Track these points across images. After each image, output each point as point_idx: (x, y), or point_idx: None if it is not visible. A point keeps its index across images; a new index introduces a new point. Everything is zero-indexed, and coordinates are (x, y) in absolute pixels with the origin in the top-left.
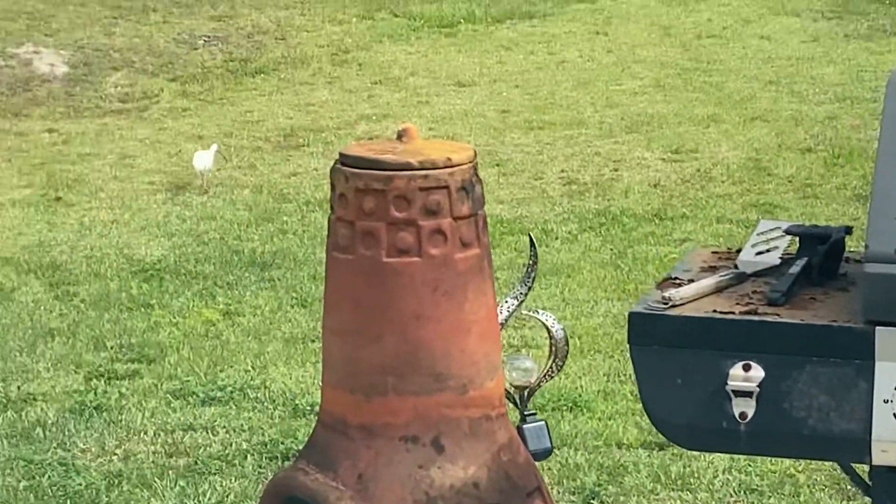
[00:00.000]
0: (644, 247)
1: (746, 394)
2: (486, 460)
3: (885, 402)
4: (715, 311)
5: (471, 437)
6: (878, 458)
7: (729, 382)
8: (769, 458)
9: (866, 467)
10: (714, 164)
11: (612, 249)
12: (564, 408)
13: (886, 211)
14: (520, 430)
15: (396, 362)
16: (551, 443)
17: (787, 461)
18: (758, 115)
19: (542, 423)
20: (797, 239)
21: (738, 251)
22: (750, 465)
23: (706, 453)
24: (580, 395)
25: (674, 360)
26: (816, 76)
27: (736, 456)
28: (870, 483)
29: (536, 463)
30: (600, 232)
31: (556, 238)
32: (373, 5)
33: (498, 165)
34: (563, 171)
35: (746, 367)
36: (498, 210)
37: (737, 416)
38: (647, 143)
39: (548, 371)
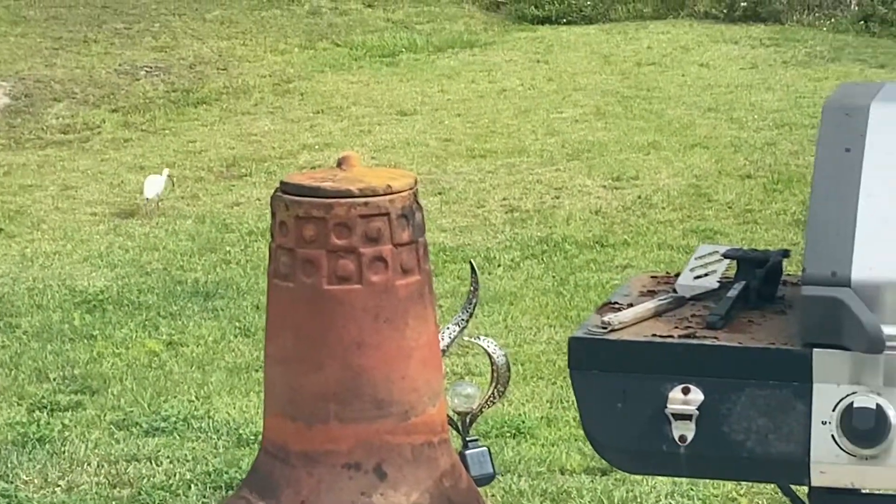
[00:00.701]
0: (586, 274)
1: (686, 417)
2: (428, 487)
3: (823, 423)
4: (654, 334)
5: (413, 463)
6: (817, 479)
7: (668, 406)
8: (711, 482)
9: (806, 489)
10: (655, 190)
11: (554, 276)
12: (508, 434)
13: (823, 234)
14: (462, 456)
15: (338, 390)
16: (494, 468)
17: (730, 484)
18: (698, 141)
19: (485, 448)
20: (735, 263)
21: (678, 275)
22: (692, 489)
23: (649, 477)
24: (523, 422)
25: (614, 384)
26: (755, 103)
27: (678, 480)
28: None
29: (479, 489)
30: (542, 259)
31: (499, 266)
32: (314, 35)
33: (440, 194)
34: (504, 198)
35: (686, 391)
36: (440, 238)
37: (676, 439)
38: (589, 171)
39: (490, 397)
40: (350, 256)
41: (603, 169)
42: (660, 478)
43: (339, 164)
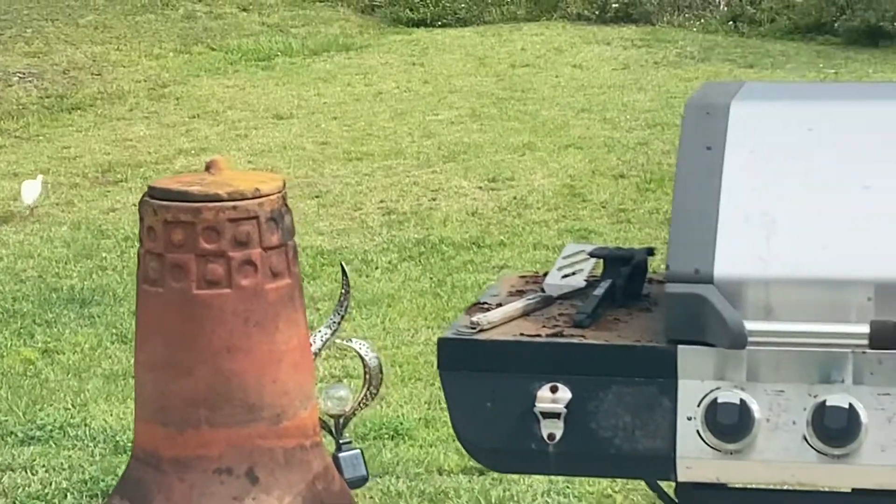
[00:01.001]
0: (463, 275)
1: (554, 415)
2: (300, 490)
3: (689, 419)
4: (522, 334)
5: (285, 467)
6: (683, 474)
7: (536, 404)
8: (587, 480)
9: (673, 484)
10: (530, 191)
11: (431, 278)
12: (386, 436)
13: (685, 232)
14: (336, 459)
15: (208, 395)
16: (367, 471)
17: (605, 481)
18: (571, 142)
19: (358, 451)
20: (602, 262)
21: (546, 275)
22: (568, 487)
23: (526, 476)
24: (401, 423)
25: (483, 384)
26: (628, 103)
27: (555, 478)
28: (676, 500)
29: (353, 490)
30: (420, 261)
31: (377, 268)
32: (189, 39)
33: (317, 197)
34: (382, 201)
35: (554, 389)
36: (318, 241)
37: (545, 437)
38: (465, 172)
39: (363, 399)
40: (219, 260)
41: (479, 170)
42: (537, 476)
43: (208, 168)
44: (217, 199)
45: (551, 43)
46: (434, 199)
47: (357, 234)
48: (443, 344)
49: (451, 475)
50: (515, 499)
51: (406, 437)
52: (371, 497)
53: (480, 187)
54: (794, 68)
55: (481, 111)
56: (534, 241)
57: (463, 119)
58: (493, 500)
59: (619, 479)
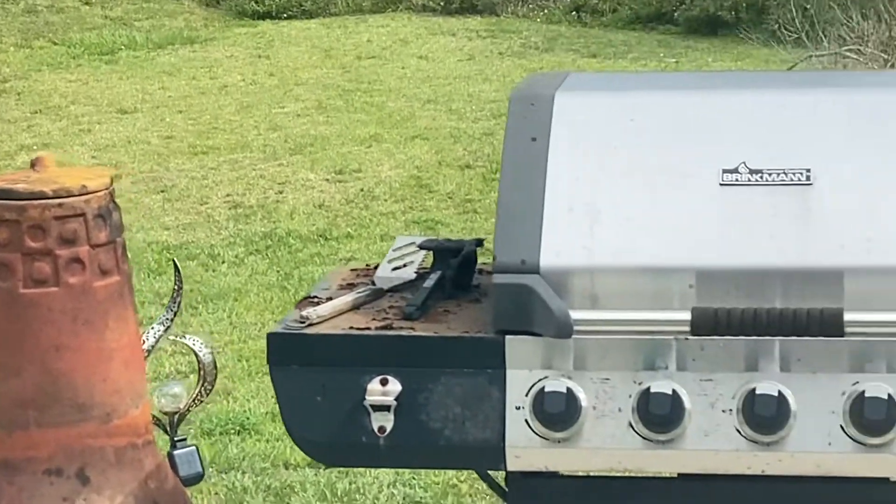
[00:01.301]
0: (310, 267)
1: (384, 408)
2: (132, 489)
3: (517, 408)
4: (351, 327)
5: (116, 466)
6: (513, 463)
7: (367, 397)
8: (433, 471)
9: (503, 474)
10: (377, 182)
11: (278, 271)
12: (232, 431)
13: (511, 223)
14: (171, 457)
15: (37, 395)
16: (203, 467)
17: (451, 472)
18: (418, 133)
19: (193, 448)
20: (431, 253)
21: (377, 267)
22: (414, 478)
23: (372, 469)
24: (248, 418)
25: (313, 378)
26: (473, 94)
27: (401, 470)
28: (506, 489)
29: (189, 488)
30: (267, 254)
31: (223, 262)
32: (30, 34)
33: (163, 191)
34: (228, 195)
35: (384, 382)
36: (163, 236)
37: (375, 430)
38: (311, 165)
39: (198, 395)
40: (46, 259)
41: (325, 162)
42: (383, 469)
43: (33, 165)
44: (42, 196)
45: (397, 34)
46: (281, 192)
47: (203, 229)
48: (272, 339)
49: (298, 469)
50: (362, 491)
51: (253, 432)
52: (216, 493)
53: (327, 179)
54: (636, 58)
55: (328, 103)
56: (381, 233)
57: (309, 111)
58: (339, 493)
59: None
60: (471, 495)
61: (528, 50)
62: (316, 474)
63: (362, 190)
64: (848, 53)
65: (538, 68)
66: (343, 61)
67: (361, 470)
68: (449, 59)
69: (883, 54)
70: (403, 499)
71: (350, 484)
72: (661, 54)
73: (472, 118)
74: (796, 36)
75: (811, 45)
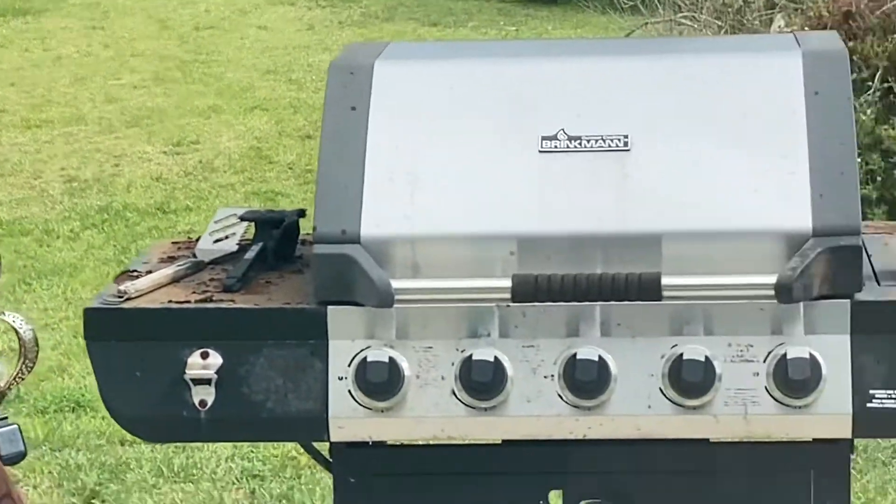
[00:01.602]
0: (148, 241)
1: (205, 381)
2: None
3: (340, 379)
4: (170, 301)
5: None
6: (336, 434)
7: (187, 371)
8: (271, 444)
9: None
10: (216, 154)
11: (115, 246)
12: (67, 408)
13: (332, 193)
14: None
15: None
16: (25, 446)
17: (290, 444)
18: (257, 104)
19: (15, 426)
20: (253, 225)
21: (198, 240)
22: (252, 452)
23: (210, 443)
24: (83, 395)
25: (131, 353)
26: (313, 63)
27: (239, 444)
28: (331, 460)
29: (11, 467)
30: (103, 229)
31: (58, 237)
32: None
33: None
34: (63, 168)
35: (204, 355)
36: None
37: (196, 404)
38: (149, 137)
39: (18, 373)
40: None
41: (163, 135)
42: (221, 443)
43: None
44: None
45: (235, 4)
46: (117, 166)
47: (37, 204)
48: (88, 314)
49: (134, 445)
50: (199, 466)
51: (88, 409)
52: (49, 472)
53: (165, 152)
54: (476, 26)
55: (165, 75)
56: (221, 205)
57: (146, 83)
58: (175, 469)
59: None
60: (310, 467)
61: (369, 19)
62: (152, 450)
63: (201, 162)
64: (682, 20)
65: (378, 37)
66: (180, 32)
67: (199, 445)
68: (288, 29)
69: (717, 21)
70: (241, 472)
71: (187, 459)
72: (502, 22)
73: (312, 88)
74: (632, 3)
75: (647, 12)
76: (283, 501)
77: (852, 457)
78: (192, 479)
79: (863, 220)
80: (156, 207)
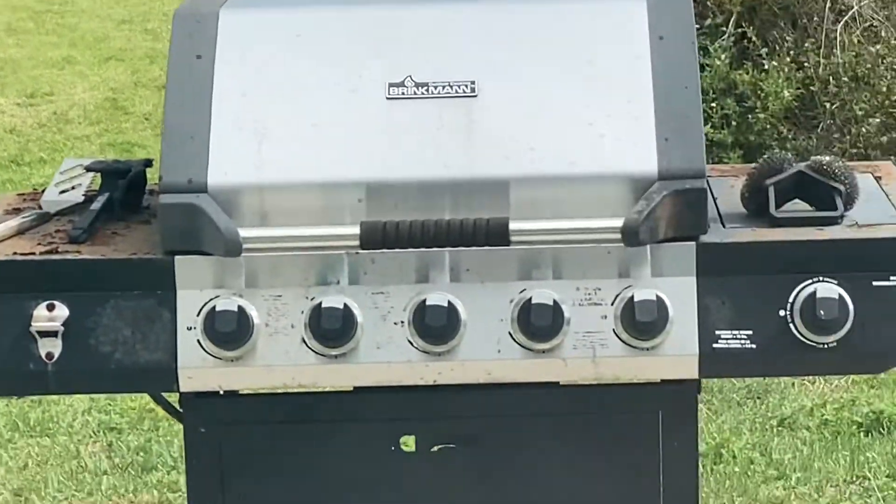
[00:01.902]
0: (1, 195)
1: (51, 334)
2: None
3: (189, 329)
4: (15, 252)
5: None
6: (186, 384)
7: (33, 324)
8: (129, 396)
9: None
10: (70, 105)
11: None
12: None
13: (178, 142)
14: None
15: None
16: None
17: (147, 397)
18: (113, 54)
19: None
20: (99, 175)
21: (44, 192)
22: (110, 405)
23: (67, 396)
24: None
25: None
26: (169, 13)
27: (97, 396)
28: (181, 410)
29: None
30: None
31: None
32: None
33: None
34: None
35: (51, 307)
36: None
37: (43, 356)
38: (1, 89)
39: None
40: None
41: (16, 86)
42: (79, 396)
43: None
44: None
45: None
46: None
47: None
48: None
49: None
50: (56, 420)
51: None
52: None
53: (18, 104)
54: None
55: (17, 25)
56: (76, 157)
57: None
58: (31, 423)
59: None
60: (167, 419)
61: None
62: (7, 405)
63: (55, 113)
64: None
65: None
66: None
67: (55, 399)
68: None
69: None
70: (98, 425)
71: (43, 413)
72: None
73: (168, 38)
74: None
75: None
76: (141, 454)
77: (700, 397)
78: (49, 433)
79: (718, 163)
80: (9, 160)
